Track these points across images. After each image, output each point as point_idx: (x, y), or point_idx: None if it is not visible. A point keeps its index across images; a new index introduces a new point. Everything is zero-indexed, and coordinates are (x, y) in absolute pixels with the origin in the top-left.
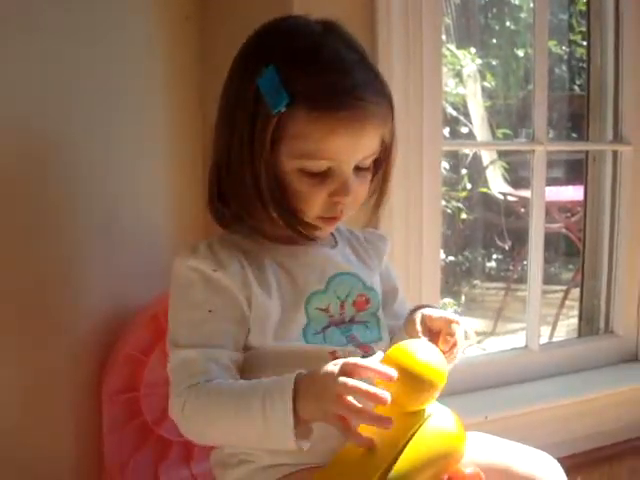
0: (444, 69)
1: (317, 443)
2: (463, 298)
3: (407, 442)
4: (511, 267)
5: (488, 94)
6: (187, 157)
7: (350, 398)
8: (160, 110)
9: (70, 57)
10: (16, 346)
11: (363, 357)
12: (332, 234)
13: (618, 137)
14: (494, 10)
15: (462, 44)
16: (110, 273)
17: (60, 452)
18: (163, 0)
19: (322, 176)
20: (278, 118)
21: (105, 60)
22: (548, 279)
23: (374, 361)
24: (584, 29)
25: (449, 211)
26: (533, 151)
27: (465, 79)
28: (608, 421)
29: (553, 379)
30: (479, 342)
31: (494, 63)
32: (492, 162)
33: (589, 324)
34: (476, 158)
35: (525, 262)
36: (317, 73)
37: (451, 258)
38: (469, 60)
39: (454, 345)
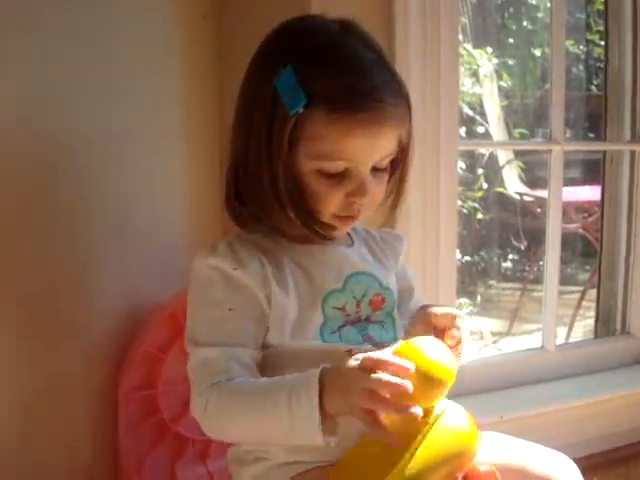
0: (460, 69)
1: None
2: (479, 298)
3: (420, 440)
4: (527, 267)
5: (505, 94)
6: (204, 156)
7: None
8: (176, 109)
9: (82, 57)
10: (29, 350)
11: None
12: (348, 233)
13: (636, 137)
14: (511, 9)
15: (479, 44)
16: (124, 273)
17: (75, 453)
18: None
19: (339, 177)
20: (296, 119)
21: (121, 59)
22: (565, 280)
23: (391, 355)
24: (602, 28)
25: (465, 211)
26: (550, 151)
27: (482, 79)
28: (623, 422)
29: (569, 380)
30: (494, 342)
31: (511, 63)
32: (508, 162)
33: (605, 325)
34: (492, 158)
35: (541, 262)
36: (335, 74)
37: (467, 258)
38: (486, 60)
39: (460, 341)
